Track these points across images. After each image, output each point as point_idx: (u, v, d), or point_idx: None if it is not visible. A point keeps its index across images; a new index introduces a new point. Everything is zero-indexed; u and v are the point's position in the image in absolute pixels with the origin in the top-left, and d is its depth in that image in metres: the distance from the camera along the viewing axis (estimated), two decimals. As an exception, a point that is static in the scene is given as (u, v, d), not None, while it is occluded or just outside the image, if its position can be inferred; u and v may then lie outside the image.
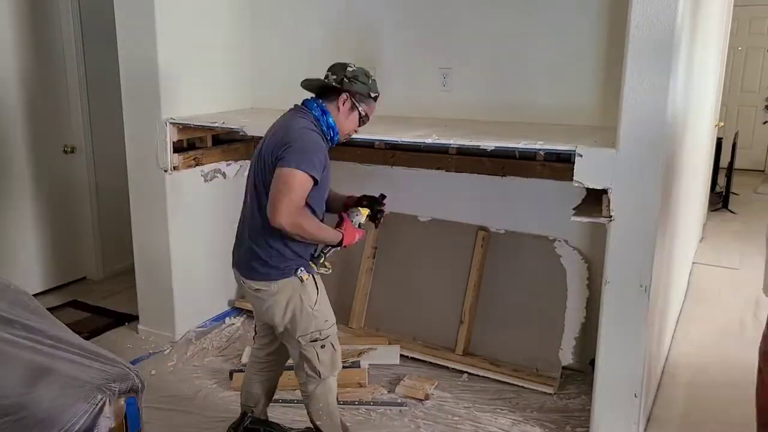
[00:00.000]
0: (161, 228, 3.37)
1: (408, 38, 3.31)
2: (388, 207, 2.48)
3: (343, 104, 2.23)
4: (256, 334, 2.53)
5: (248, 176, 2.30)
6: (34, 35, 3.87)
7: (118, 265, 4.36)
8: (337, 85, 2.22)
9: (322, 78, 2.26)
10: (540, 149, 2.47)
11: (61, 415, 1.71)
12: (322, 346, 2.28)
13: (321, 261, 2.27)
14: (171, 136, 3.24)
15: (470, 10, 3.13)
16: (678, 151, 2.71)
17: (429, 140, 2.64)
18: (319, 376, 2.30)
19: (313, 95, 2.30)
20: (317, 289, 2.28)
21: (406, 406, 2.87)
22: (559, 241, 3.10)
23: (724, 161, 6.71)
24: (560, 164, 2.95)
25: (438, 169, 3.28)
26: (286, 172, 2.07)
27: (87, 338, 2.21)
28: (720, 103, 5.82)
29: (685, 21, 2.32)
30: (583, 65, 2.93)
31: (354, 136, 2.41)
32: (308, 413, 2.41)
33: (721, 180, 6.72)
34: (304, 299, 2.23)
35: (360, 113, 2.26)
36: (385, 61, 3.38)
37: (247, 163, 3.68)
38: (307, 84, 2.30)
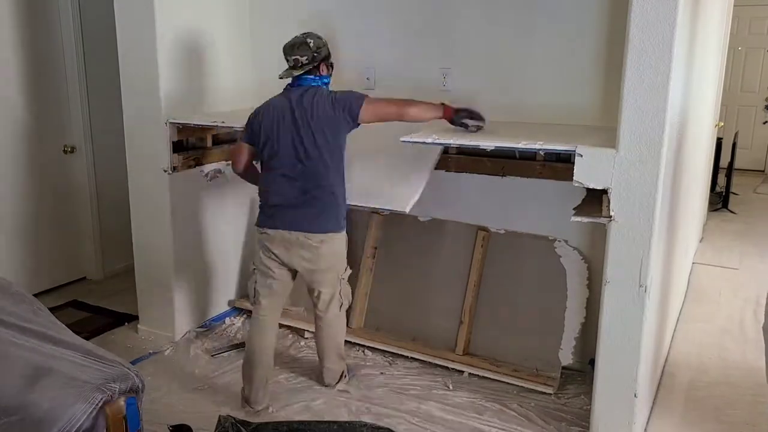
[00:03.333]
0: (161, 228, 3.37)
1: (408, 38, 3.31)
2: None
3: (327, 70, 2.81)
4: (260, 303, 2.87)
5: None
6: (34, 36, 3.87)
7: (118, 265, 4.36)
8: (315, 64, 2.73)
9: (295, 61, 2.71)
10: (540, 149, 2.47)
11: (61, 415, 1.71)
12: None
13: None
14: (171, 136, 3.24)
15: (470, 10, 3.13)
16: (678, 151, 2.71)
17: (429, 140, 2.64)
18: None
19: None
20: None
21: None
22: (559, 241, 3.10)
23: (724, 161, 6.71)
24: (560, 164, 2.95)
25: (438, 169, 3.28)
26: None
27: (87, 338, 2.21)
28: (720, 103, 5.82)
29: (685, 21, 2.32)
30: (583, 65, 2.93)
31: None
32: (328, 344, 2.95)
33: (721, 180, 6.72)
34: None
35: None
36: (385, 60, 3.38)
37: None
38: (293, 68, 2.73)
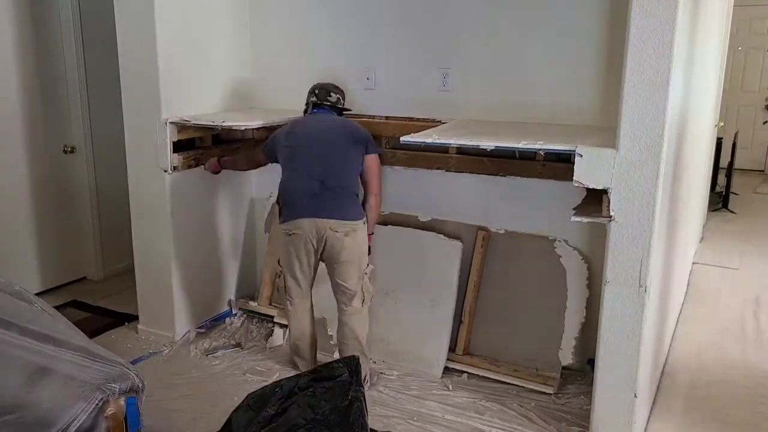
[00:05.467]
0: (161, 228, 3.37)
1: (408, 38, 3.31)
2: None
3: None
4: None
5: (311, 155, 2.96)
6: (34, 35, 3.87)
7: (118, 265, 4.36)
8: (340, 106, 3.13)
9: (328, 97, 3.08)
10: (540, 149, 2.47)
11: (61, 415, 1.72)
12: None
13: None
14: (171, 136, 3.24)
15: (470, 10, 3.13)
16: (678, 151, 2.71)
17: (429, 140, 2.64)
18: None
19: (318, 105, 3.09)
20: None
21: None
22: (559, 241, 3.10)
23: (724, 161, 6.71)
24: (560, 164, 2.95)
25: (438, 169, 3.28)
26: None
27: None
28: (720, 103, 5.81)
29: (685, 21, 2.32)
30: (583, 65, 2.93)
31: None
32: (350, 338, 3.00)
33: (721, 180, 6.72)
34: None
35: None
36: (385, 61, 3.38)
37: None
38: (323, 100, 3.08)
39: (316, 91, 3.08)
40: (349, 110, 3.23)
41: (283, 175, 3.01)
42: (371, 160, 3.01)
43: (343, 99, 3.15)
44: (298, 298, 3.08)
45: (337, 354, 3.25)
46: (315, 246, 2.94)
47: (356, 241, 2.94)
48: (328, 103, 3.08)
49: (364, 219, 2.98)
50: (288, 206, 2.98)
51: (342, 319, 3.03)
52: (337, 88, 3.14)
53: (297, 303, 3.09)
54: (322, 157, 2.94)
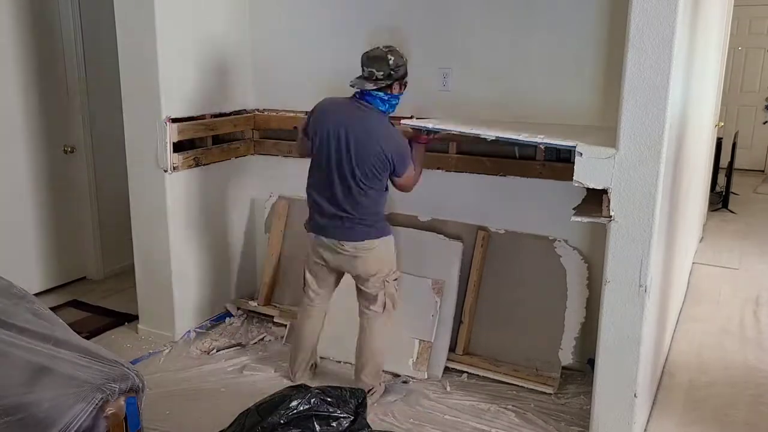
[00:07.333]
0: (161, 228, 3.37)
1: (408, 38, 3.31)
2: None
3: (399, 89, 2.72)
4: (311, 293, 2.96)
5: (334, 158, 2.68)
6: (34, 36, 3.86)
7: (118, 265, 4.36)
8: (390, 82, 2.65)
9: (372, 78, 2.64)
10: (540, 143, 2.47)
11: (61, 415, 1.72)
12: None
13: None
14: (171, 136, 3.24)
15: (470, 10, 3.13)
16: (678, 151, 2.71)
17: (430, 125, 2.66)
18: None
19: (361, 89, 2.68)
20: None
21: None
22: (559, 241, 3.10)
23: (724, 161, 6.71)
24: (560, 164, 2.95)
25: (438, 169, 3.28)
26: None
27: (87, 338, 2.22)
28: (720, 103, 5.82)
29: (685, 21, 2.32)
30: (583, 65, 2.93)
31: None
32: (365, 350, 2.88)
33: (721, 180, 6.72)
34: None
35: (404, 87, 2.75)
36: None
37: (247, 163, 3.70)
38: (367, 80, 2.66)
39: (364, 65, 2.65)
40: (404, 80, 2.71)
41: (310, 171, 2.79)
42: (400, 181, 2.74)
43: (397, 68, 2.63)
44: (313, 297, 2.96)
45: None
46: (328, 262, 2.83)
47: (368, 261, 2.76)
48: (373, 86, 2.62)
49: (382, 236, 2.78)
50: (310, 215, 2.84)
51: (362, 324, 2.89)
52: (391, 52, 2.64)
53: (312, 303, 2.97)
54: (342, 177, 2.67)
